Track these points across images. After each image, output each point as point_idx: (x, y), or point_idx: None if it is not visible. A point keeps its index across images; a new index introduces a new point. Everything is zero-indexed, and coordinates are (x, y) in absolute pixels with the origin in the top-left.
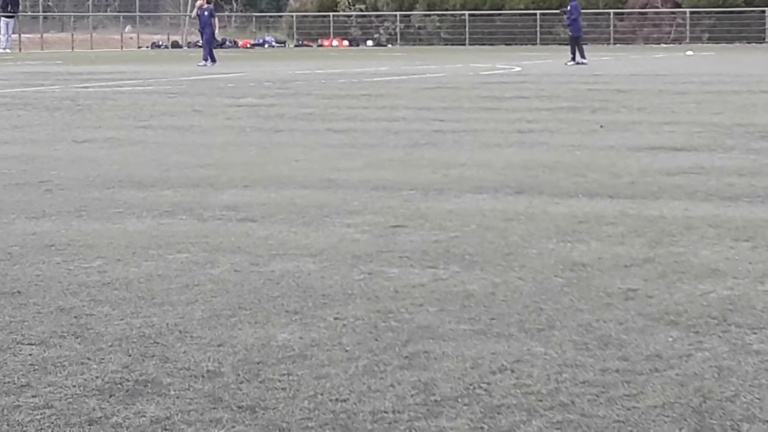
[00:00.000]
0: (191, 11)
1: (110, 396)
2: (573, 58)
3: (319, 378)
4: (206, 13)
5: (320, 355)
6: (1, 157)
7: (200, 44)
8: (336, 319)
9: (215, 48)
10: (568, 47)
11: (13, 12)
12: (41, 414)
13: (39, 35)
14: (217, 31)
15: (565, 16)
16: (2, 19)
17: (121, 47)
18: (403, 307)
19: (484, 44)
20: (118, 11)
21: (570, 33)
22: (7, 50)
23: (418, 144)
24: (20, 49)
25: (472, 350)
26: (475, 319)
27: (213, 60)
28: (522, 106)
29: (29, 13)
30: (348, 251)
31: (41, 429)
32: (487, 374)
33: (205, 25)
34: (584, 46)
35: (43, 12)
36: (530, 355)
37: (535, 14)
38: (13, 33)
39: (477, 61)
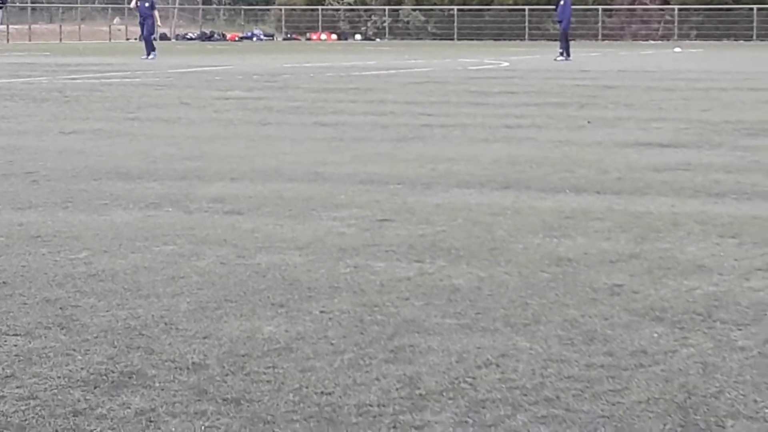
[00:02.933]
0: (129, 2)
1: (95, 387)
2: (562, 53)
3: (305, 371)
4: (146, 4)
5: (306, 348)
6: None
7: (188, 36)
8: (322, 312)
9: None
10: (557, 43)
11: (2, 4)
12: (26, 405)
13: (27, 26)
14: (158, 23)
15: (557, 11)
16: None
17: (110, 39)
18: (389, 301)
19: (472, 39)
20: (107, 3)
21: (560, 28)
22: None
23: (406, 138)
24: (8, 41)
25: (458, 344)
26: (461, 314)
27: (153, 50)
28: (510, 101)
29: (17, 4)
30: (334, 244)
31: (26, 420)
32: (472, 368)
33: (145, 17)
34: (570, 42)
35: (32, 3)
36: (515, 349)
37: (524, 10)
38: (1, 24)
39: (465, 56)
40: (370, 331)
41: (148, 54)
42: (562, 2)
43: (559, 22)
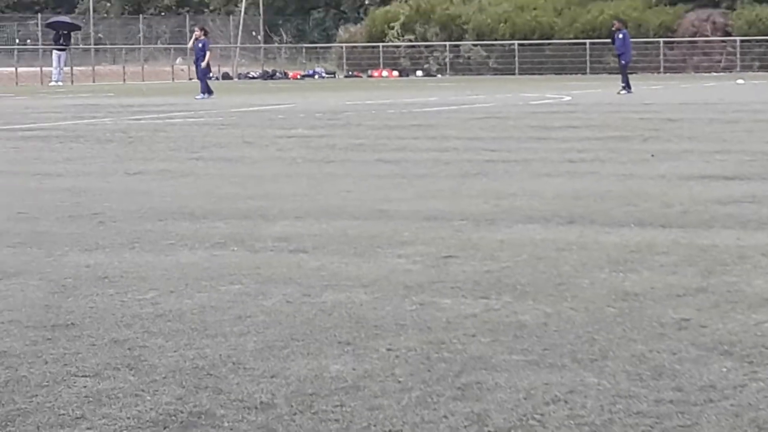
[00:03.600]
0: (189, 42)
1: (164, 428)
2: (624, 87)
3: (372, 409)
4: (200, 45)
5: (373, 386)
6: (54, 189)
7: (250, 75)
8: (388, 350)
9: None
10: (619, 76)
11: (65, 45)
12: None
13: (91, 68)
14: (203, 64)
15: (615, 45)
16: (54, 52)
17: (173, 79)
18: (455, 338)
19: (533, 74)
20: (169, 43)
21: (621, 61)
22: (60, 83)
23: (469, 174)
24: (72, 82)
25: (525, 381)
26: (528, 350)
27: (209, 92)
28: (572, 135)
29: (81, 46)
30: (400, 282)
31: None
32: (540, 405)
33: (198, 57)
34: (631, 75)
35: (95, 45)
36: (583, 385)
37: (585, 43)
38: (65, 66)
39: (526, 90)
40: (437, 369)
41: (204, 94)
42: (620, 35)
43: (619, 55)
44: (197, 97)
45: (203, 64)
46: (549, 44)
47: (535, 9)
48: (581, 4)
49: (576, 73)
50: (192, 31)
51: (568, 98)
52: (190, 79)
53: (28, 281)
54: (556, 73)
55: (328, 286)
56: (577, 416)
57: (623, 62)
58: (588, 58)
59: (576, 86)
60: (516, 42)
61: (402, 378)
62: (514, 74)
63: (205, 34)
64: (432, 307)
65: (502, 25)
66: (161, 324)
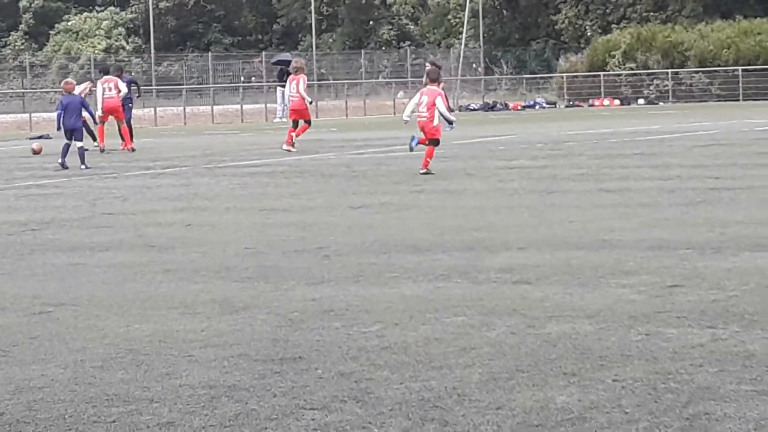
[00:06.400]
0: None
1: None
2: None
3: None
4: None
5: (599, 417)
6: (280, 224)
7: (471, 107)
8: (614, 380)
9: None
10: None
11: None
12: None
13: (313, 104)
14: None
15: None
16: (278, 88)
17: (394, 113)
18: (682, 368)
19: (758, 99)
20: (390, 77)
21: None
22: (284, 119)
23: (693, 202)
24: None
25: (755, 411)
26: (757, 380)
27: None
28: None
29: None
30: (624, 312)
31: None
32: None
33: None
34: None
35: (318, 80)
36: None
37: None
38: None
39: (752, 116)
40: (664, 399)
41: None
42: None
43: None
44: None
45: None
46: None
47: (759, 34)
48: None
49: None
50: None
51: None
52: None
53: (256, 315)
54: None
55: (552, 317)
56: None
57: None
58: None
59: None
60: (740, 68)
61: (629, 409)
62: (738, 100)
63: (438, 68)
64: (658, 337)
65: (725, 51)
66: (387, 356)
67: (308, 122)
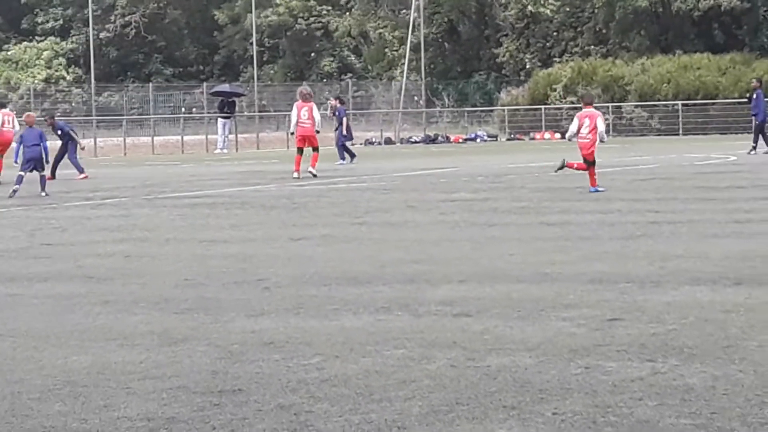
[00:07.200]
0: (328, 111)
1: None
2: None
3: None
4: (336, 113)
5: None
6: (220, 255)
7: (413, 140)
8: (554, 414)
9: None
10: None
11: (230, 113)
12: None
13: (255, 135)
14: (344, 130)
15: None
16: (219, 119)
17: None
18: (621, 402)
19: (697, 134)
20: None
21: (756, 120)
22: (225, 150)
23: (634, 236)
24: (237, 149)
25: None
26: (696, 413)
27: (351, 156)
28: (739, 195)
29: (245, 114)
30: (564, 345)
31: None
32: None
33: (338, 126)
34: None
35: (259, 112)
36: None
37: (750, 102)
38: (230, 133)
39: (691, 150)
40: None
41: (342, 160)
42: (755, 95)
43: (754, 115)
44: (336, 163)
45: (344, 131)
46: (713, 104)
47: (698, 69)
48: (746, 63)
49: (741, 133)
50: (328, 99)
51: (734, 158)
52: (353, 144)
53: (195, 347)
54: (721, 133)
55: (492, 349)
56: None
57: (757, 122)
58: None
59: (741, 146)
60: (680, 102)
61: None
62: (677, 134)
63: (341, 103)
64: (597, 370)
65: (665, 85)
66: (326, 389)
67: (316, 149)
